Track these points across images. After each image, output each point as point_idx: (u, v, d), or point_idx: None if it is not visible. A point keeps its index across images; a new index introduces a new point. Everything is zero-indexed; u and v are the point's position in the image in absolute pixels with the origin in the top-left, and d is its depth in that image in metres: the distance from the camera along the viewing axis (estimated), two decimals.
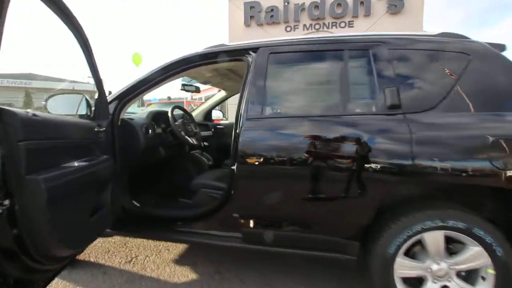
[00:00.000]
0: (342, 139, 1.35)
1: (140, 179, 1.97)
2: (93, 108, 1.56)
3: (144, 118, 1.94)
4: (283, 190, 1.42)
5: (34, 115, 0.93)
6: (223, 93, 3.03)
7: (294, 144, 1.41)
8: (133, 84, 1.71)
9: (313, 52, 1.56)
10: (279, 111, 1.59)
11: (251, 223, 1.49)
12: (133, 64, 12.06)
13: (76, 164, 1.11)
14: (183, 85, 2.45)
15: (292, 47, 1.59)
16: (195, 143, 2.17)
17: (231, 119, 3.29)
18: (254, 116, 1.49)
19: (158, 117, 2.06)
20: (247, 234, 1.53)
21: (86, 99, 1.56)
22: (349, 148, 1.33)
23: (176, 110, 2.18)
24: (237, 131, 1.51)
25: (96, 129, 1.47)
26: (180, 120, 2.11)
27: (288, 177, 1.41)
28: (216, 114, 3.31)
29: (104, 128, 1.53)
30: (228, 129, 3.20)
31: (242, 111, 1.53)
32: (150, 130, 1.89)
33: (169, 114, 2.01)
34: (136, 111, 2.41)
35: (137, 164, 1.84)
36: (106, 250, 2.16)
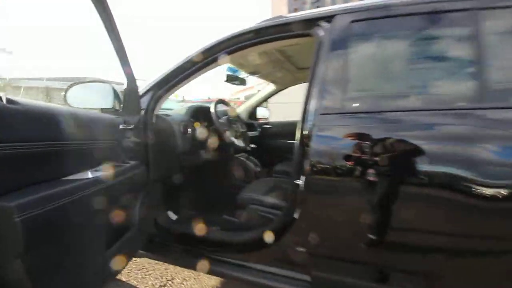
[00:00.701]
0: (486, 144, 0.83)
1: (176, 187, 1.63)
2: (121, 101, 1.24)
3: (183, 115, 1.60)
4: (385, 218, 0.93)
5: (9, 101, 0.59)
6: (270, 88, 2.61)
7: (403, 151, 0.92)
8: (170, 72, 1.37)
9: (425, 16, 1.04)
10: (371, 103, 1.09)
11: (327, 265, 1.04)
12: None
13: (83, 176, 0.78)
14: (228, 76, 2.08)
15: (388, 10, 1.08)
16: (242, 145, 1.78)
17: (273, 119, 2.85)
18: (333, 111, 1.04)
19: (198, 114, 1.72)
20: (320, 280, 1.07)
21: (114, 90, 1.25)
22: (502, 158, 0.80)
23: (220, 105, 1.82)
24: (305, 131, 1.06)
25: (122, 127, 1.15)
26: (224, 118, 1.75)
27: (397, 200, 0.92)
28: (262, 113, 2.90)
29: (133, 126, 1.21)
30: (277, 128, 2.77)
31: (312, 104, 1.08)
32: (189, 129, 1.55)
33: (212, 110, 1.65)
34: (174, 107, 2.08)
35: (173, 170, 1.51)
36: (140, 266, 1.88)
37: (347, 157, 0.96)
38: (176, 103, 7.07)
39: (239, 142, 1.76)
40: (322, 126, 1.03)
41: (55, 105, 0.89)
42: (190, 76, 1.37)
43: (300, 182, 1.04)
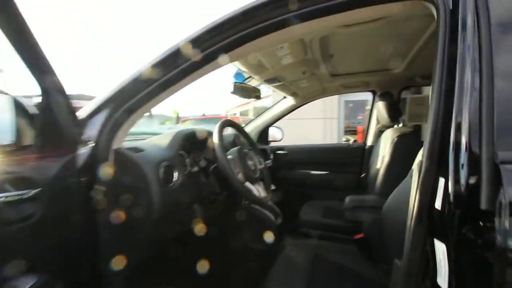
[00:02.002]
0: None
1: (151, 273, 0.96)
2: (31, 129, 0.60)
3: (166, 147, 0.95)
4: None
5: None
6: (287, 102, 2.00)
7: None
8: (138, 77, 0.73)
9: None
10: None
11: None
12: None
13: None
14: (236, 86, 1.43)
15: None
16: (264, 195, 1.12)
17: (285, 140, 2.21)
18: None
19: (192, 144, 1.07)
20: None
21: (19, 105, 0.61)
22: None
23: (228, 129, 1.17)
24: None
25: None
26: (234, 151, 1.08)
27: None
28: (274, 133, 2.27)
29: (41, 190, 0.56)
30: (296, 154, 2.13)
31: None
32: (176, 172, 0.89)
33: (215, 139, 0.99)
34: (158, 132, 1.36)
35: (145, 248, 0.84)
36: None
37: None
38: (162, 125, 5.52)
39: (260, 190, 1.10)
40: None
41: None
42: (176, 82, 0.73)
43: None
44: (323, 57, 1.31)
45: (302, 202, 1.87)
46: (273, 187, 1.69)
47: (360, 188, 1.87)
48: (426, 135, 0.54)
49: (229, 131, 1.49)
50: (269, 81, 1.45)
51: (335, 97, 6.68)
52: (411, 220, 0.55)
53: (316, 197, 1.97)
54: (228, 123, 1.12)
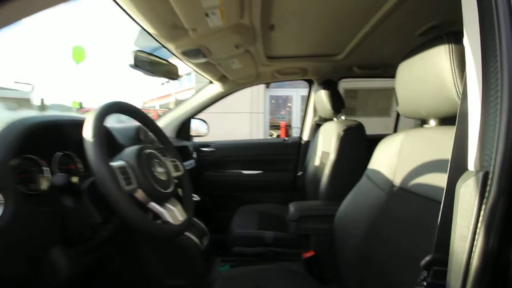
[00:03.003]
0: None
1: None
2: None
3: None
4: None
5: None
6: (213, 91, 1.63)
7: None
8: None
9: None
10: None
11: None
12: (73, 61, 9.43)
13: None
14: (138, 54, 0.93)
15: None
16: (181, 218, 0.72)
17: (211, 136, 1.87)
18: None
19: (53, 141, 0.60)
20: None
21: None
22: None
23: (114, 118, 0.72)
24: None
25: None
26: (130, 153, 0.64)
27: None
28: (198, 126, 1.87)
29: None
30: (224, 152, 1.79)
31: None
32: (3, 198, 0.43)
33: (87, 134, 0.55)
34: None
35: None
36: None
37: None
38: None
39: (176, 212, 0.69)
40: None
41: None
42: None
43: None
44: (263, 27, 1.00)
45: (233, 209, 1.55)
46: (196, 197, 1.31)
47: (297, 189, 1.67)
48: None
49: (130, 126, 1.02)
50: (189, 54, 1.04)
51: (262, 91, 6.64)
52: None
53: (249, 201, 1.69)
54: (116, 107, 0.67)
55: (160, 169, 0.72)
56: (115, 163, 0.60)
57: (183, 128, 1.74)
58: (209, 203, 1.72)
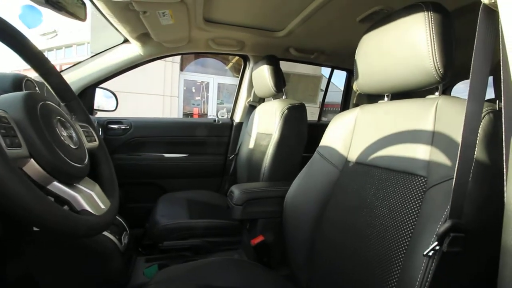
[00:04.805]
0: None
1: None
2: None
3: None
4: None
5: None
6: (126, 52, 1.31)
7: None
8: None
9: None
10: None
11: None
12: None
13: None
14: None
15: None
16: (104, 207, 0.48)
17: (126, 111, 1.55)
18: None
19: None
20: None
21: None
22: None
23: None
24: None
25: None
26: (15, 98, 0.38)
27: None
28: (102, 99, 1.48)
29: None
30: (141, 131, 1.48)
31: None
32: None
33: None
34: None
35: None
36: None
37: None
38: None
39: (95, 196, 0.45)
40: None
41: None
42: None
43: None
44: None
45: (153, 199, 1.30)
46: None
47: (227, 174, 1.55)
48: None
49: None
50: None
51: (176, 74, 6.11)
52: None
53: (171, 188, 1.46)
54: None
55: (66, 132, 0.47)
56: None
57: (83, 98, 1.33)
58: (120, 192, 1.39)
